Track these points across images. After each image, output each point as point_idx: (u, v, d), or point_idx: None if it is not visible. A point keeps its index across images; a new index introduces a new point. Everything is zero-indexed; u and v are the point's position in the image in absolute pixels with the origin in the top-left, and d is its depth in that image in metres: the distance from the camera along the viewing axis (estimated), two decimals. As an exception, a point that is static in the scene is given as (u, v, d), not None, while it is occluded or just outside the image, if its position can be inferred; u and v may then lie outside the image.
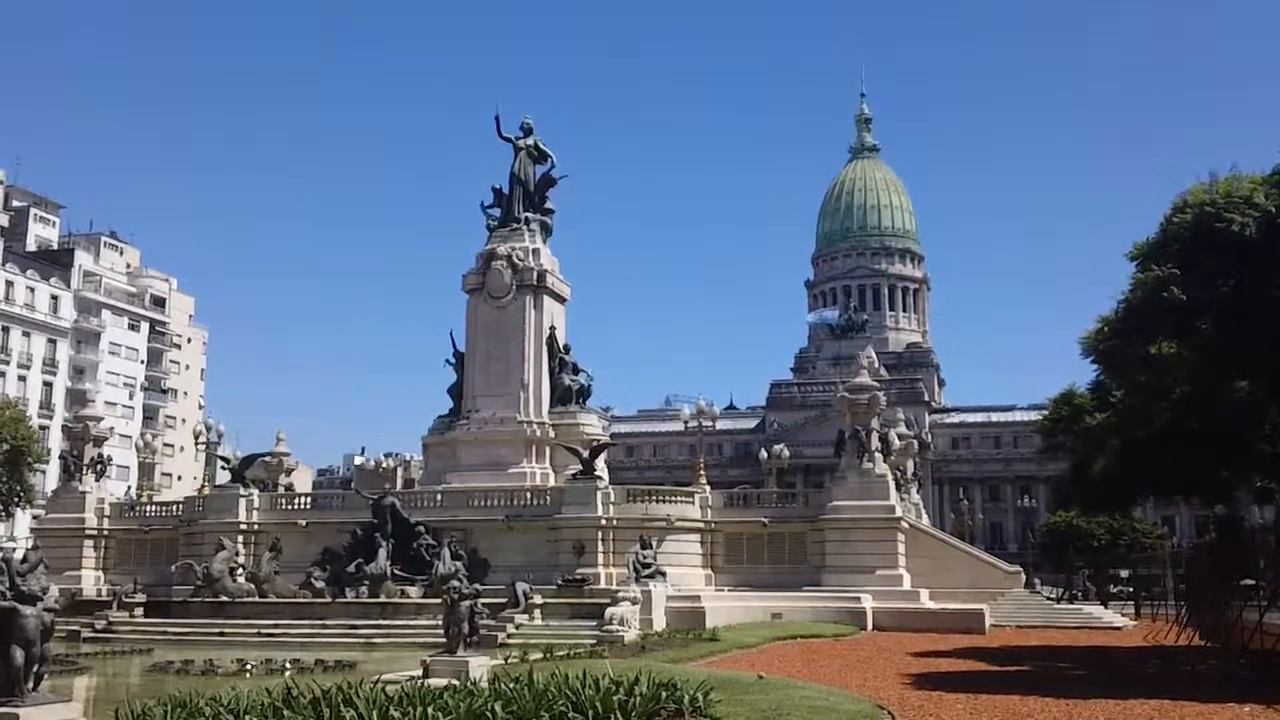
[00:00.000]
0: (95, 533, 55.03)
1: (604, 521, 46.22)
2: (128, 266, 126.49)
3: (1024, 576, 53.19)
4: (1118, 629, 46.50)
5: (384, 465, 76.12)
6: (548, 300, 54.72)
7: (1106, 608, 58.26)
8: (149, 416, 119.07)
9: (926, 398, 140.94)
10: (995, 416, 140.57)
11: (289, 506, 52.18)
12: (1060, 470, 56.55)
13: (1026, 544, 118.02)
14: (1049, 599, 57.12)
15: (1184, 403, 31.97)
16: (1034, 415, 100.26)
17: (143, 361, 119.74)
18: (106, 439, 60.41)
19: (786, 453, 66.12)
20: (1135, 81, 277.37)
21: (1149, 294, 29.39)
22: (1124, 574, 77.38)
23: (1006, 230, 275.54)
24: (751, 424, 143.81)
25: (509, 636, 35.92)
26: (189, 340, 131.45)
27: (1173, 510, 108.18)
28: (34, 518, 72.11)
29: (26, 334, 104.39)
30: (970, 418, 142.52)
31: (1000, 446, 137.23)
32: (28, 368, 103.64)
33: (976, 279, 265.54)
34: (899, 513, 48.43)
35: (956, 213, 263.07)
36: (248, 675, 27.38)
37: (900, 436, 63.67)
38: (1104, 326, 33.59)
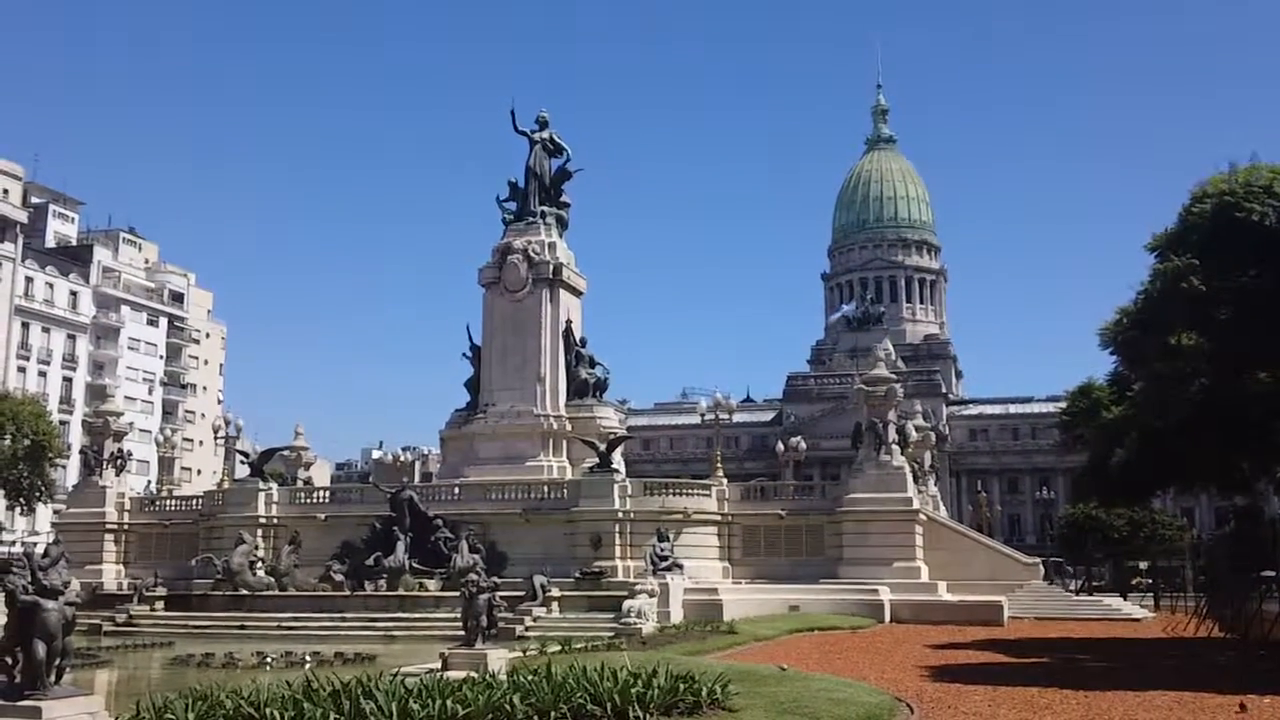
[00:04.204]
0: (116, 527, 55.36)
1: (621, 514, 46.24)
2: (146, 262, 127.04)
3: (1042, 569, 52.99)
4: (1137, 621, 46.28)
5: (402, 459, 76.24)
6: (564, 294, 54.71)
7: (1126, 599, 58.00)
8: (168, 411, 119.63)
9: (944, 389, 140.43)
10: (1013, 408, 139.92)
11: (308, 500, 52.38)
12: (1079, 462, 56.30)
13: (1045, 536, 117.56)
14: (1068, 590, 56.83)
15: (1204, 393, 31.78)
16: (1052, 407, 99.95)
17: (162, 356, 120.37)
18: (126, 434, 60.68)
19: (803, 445, 65.90)
20: (1154, 72, 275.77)
21: (1168, 284, 29.28)
22: (1143, 566, 77.02)
23: (1024, 221, 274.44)
24: (768, 417, 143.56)
25: (527, 629, 35.97)
26: (207, 335, 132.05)
27: (1192, 502, 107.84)
28: (55, 512, 72.63)
29: (46, 330, 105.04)
30: (988, 409, 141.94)
31: (1018, 438, 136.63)
32: (48, 363, 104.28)
33: (994, 270, 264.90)
34: (916, 505, 48.30)
35: (973, 203, 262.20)
36: (268, 668, 27.52)
37: (918, 428, 63.25)
38: (1123, 317, 33.48)
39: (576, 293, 56.12)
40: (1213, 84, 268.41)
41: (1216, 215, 28.54)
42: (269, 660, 29.06)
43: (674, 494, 48.51)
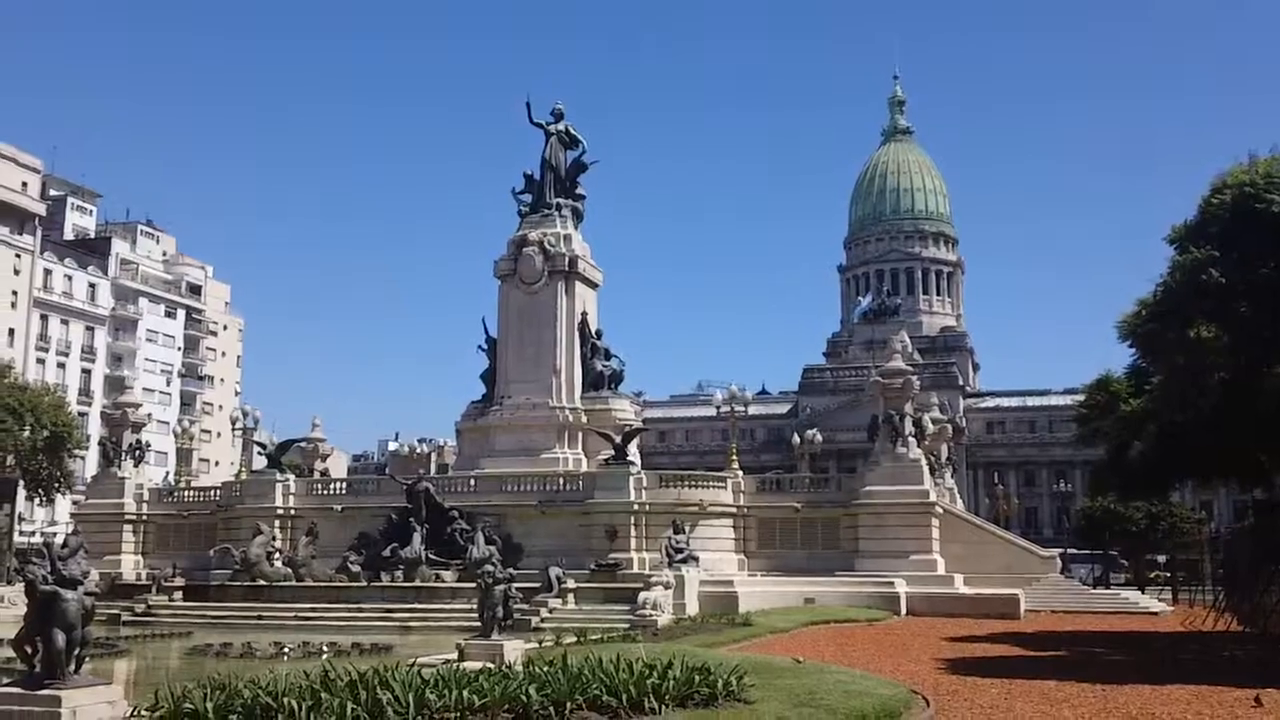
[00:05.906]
0: (134, 518, 55.62)
1: (636, 506, 46.24)
2: (164, 254, 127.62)
3: (1059, 562, 52.80)
4: (1154, 614, 46.09)
5: (418, 451, 76.52)
6: (579, 286, 54.65)
7: (1144, 593, 57.80)
8: (186, 403, 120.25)
9: (961, 382, 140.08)
10: (1030, 400, 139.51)
11: (325, 492, 52.55)
12: (1096, 455, 56.05)
13: (1062, 529, 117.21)
14: (1084, 582, 56.65)
15: (1223, 387, 31.58)
16: (1069, 399, 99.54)
17: (179, 348, 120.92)
18: (144, 425, 60.97)
19: (819, 437, 65.87)
20: (1174, 64, 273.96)
21: (1187, 276, 29.08)
22: (1161, 559, 76.69)
23: (1041, 213, 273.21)
24: (784, 409, 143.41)
25: (543, 620, 36.06)
26: (225, 327, 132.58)
27: (1211, 495, 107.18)
28: (74, 503, 73.02)
29: (65, 321, 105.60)
30: (1005, 402, 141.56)
31: (1035, 431, 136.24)
32: (66, 355, 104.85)
33: (1011, 262, 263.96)
34: (933, 497, 48.17)
35: (991, 195, 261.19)
36: (285, 658, 27.67)
37: (934, 421, 63.08)
38: (1142, 310, 33.25)
39: (592, 285, 56.06)
40: (1232, 76, 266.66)
41: (1236, 207, 28.34)
42: (286, 650, 29.20)
43: (689, 486, 48.50)
